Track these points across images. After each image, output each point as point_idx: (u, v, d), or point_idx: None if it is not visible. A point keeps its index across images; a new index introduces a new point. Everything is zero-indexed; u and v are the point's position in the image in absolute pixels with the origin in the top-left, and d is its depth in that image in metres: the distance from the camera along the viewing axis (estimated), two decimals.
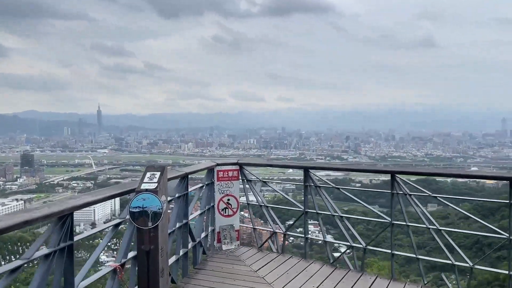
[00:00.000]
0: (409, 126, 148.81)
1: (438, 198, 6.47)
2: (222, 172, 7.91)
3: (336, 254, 7.45)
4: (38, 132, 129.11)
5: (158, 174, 4.94)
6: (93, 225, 53.87)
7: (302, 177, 7.53)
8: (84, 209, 4.43)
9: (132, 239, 5.10)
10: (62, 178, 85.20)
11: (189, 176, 6.71)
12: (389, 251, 6.79)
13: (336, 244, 11.71)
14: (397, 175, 6.62)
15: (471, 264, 6.17)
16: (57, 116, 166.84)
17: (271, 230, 8.02)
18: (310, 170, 7.46)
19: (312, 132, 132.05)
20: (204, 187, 7.59)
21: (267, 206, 7.93)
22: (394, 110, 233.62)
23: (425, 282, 6.54)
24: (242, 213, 9.42)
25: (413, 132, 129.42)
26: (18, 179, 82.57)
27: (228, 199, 7.94)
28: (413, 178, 8.49)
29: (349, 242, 7.12)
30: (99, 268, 8.04)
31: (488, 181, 46.01)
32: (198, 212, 7.48)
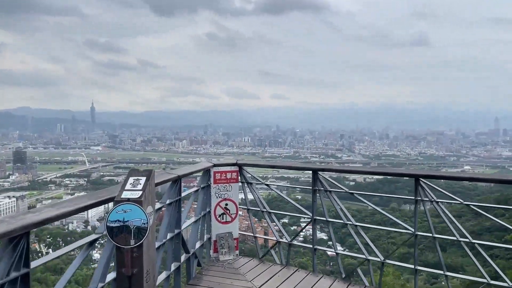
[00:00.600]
0: (402, 124, 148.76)
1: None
2: (219, 174, 7.02)
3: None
4: (31, 128, 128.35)
5: (143, 179, 4.01)
6: (86, 223, 52.51)
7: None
8: None
9: (112, 258, 4.15)
10: (55, 176, 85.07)
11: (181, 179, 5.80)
12: (412, 266, 5.93)
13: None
14: (421, 179, 5.76)
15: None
16: (50, 113, 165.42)
17: (275, 239, 7.15)
18: (319, 173, 6.58)
19: (306, 130, 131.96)
20: (199, 191, 6.69)
21: (270, 212, 7.06)
22: (388, 109, 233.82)
23: None
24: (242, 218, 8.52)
25: (406, 130, 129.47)
26: (11, 176, 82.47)
27: (226, 204, 7.06)
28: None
29: (364, 254, 6.26)
30: None
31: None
32: (193, 219, 6.57)
